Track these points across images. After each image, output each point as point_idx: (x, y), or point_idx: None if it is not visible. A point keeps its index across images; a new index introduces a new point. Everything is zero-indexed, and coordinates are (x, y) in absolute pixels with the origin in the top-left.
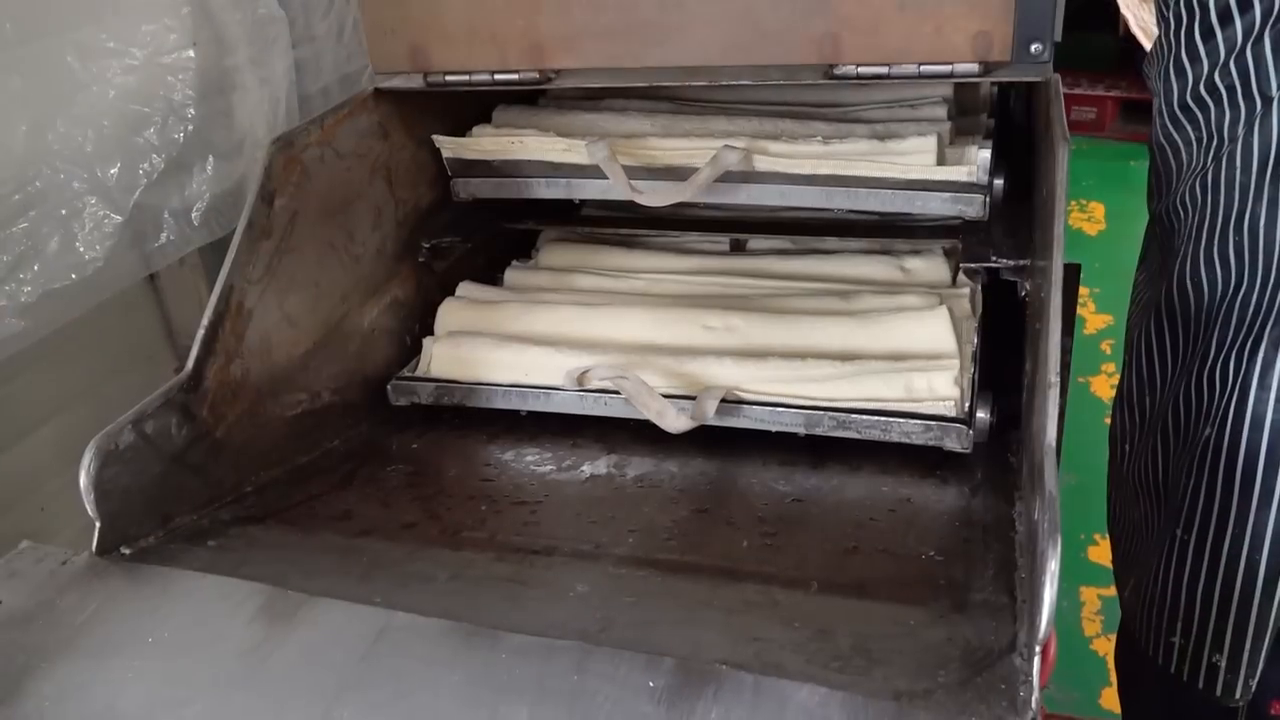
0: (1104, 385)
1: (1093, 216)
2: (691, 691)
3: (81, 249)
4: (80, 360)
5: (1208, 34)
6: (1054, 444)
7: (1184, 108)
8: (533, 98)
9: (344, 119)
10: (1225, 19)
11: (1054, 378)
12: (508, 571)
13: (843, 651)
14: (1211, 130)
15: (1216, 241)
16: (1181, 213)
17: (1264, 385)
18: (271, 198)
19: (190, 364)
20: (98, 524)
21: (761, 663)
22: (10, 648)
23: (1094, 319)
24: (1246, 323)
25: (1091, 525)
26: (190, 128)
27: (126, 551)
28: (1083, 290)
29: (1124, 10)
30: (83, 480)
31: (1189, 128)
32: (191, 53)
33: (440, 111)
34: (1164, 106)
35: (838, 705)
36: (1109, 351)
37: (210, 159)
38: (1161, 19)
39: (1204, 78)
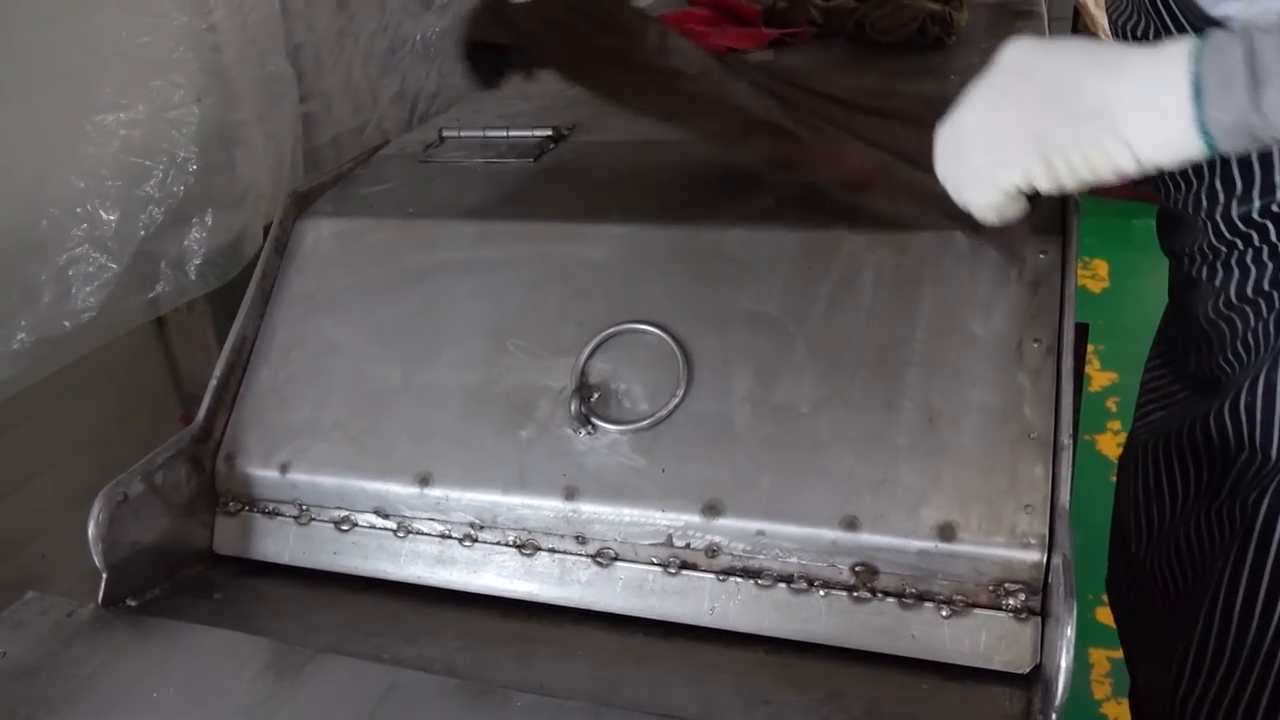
0: (1110, 443)
1: (1096, 274)
2: None
3: (77, 297)
4: (86, 406)
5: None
6: (1067, 507)
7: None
8: None
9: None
10: None
11: (1067, 439)
12: (515, 628)
13: (856, 715)
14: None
15: (1260, 398)
16: (1229, 368)
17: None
18: (284, 248)
19: (201, 415)
20: (104, 576)
21: None
22: (14, 700)
23: (1100, 376)
24: (1257, 476)
25: (1099, 585)
26: (191, 181)
27: (132, 603)
28: (1089, 347)
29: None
30: (91, 531)
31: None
32: (196, 108)
33: None
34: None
35: None
36: (1114, 409)
37: (210, 212)
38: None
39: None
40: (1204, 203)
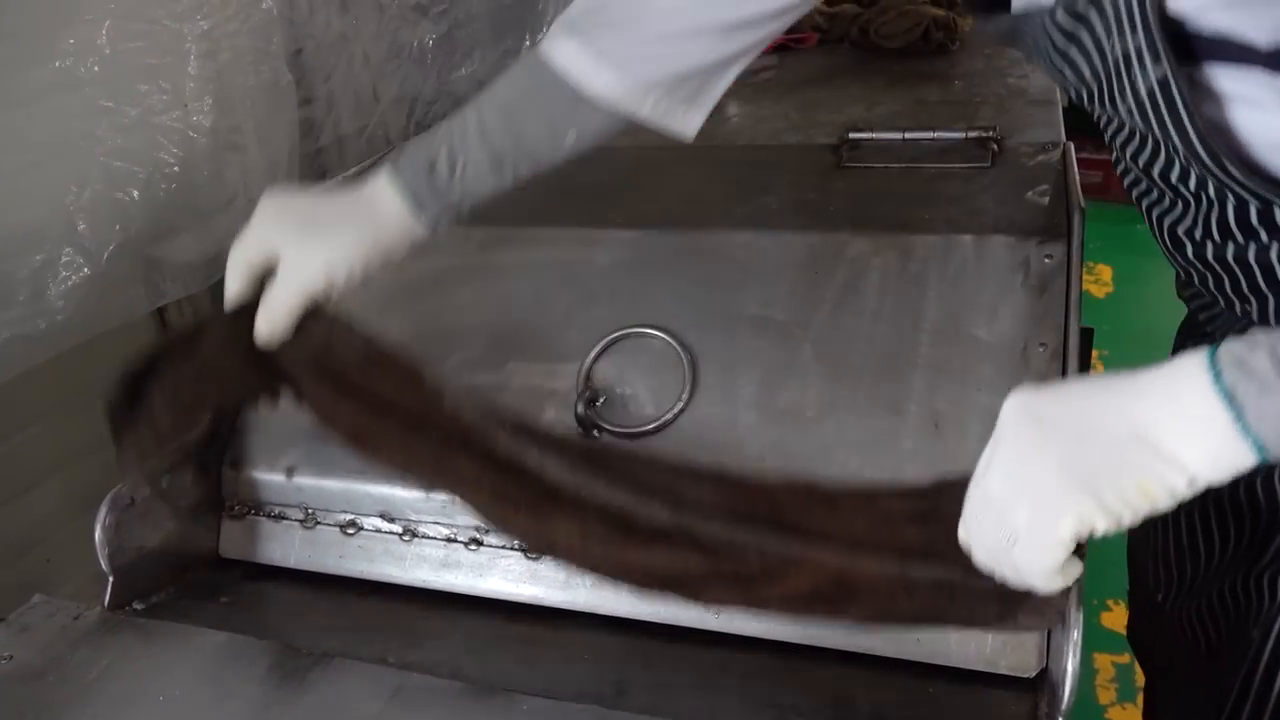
0: None
1: (1100, 279)
2: None
3: (52, 297)
4: (90, 411)
5: None
6: None
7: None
8: None
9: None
10: None
11: None
12: (521, 632)
13: None
14: None
15: None
16: None
17: None
18: None
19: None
20: (110, 579)
21: None
22: (21, 704)
23: (1101, 368)
24: None
25: (1104, 591)
26: (174, 187)
27: (139, 607)
28: (1092, 353)
29: None
30: (97, 535)
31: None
32: (184, 114)
33: None
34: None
35: None
36: None
37: (192, 217)
38: None
39: None
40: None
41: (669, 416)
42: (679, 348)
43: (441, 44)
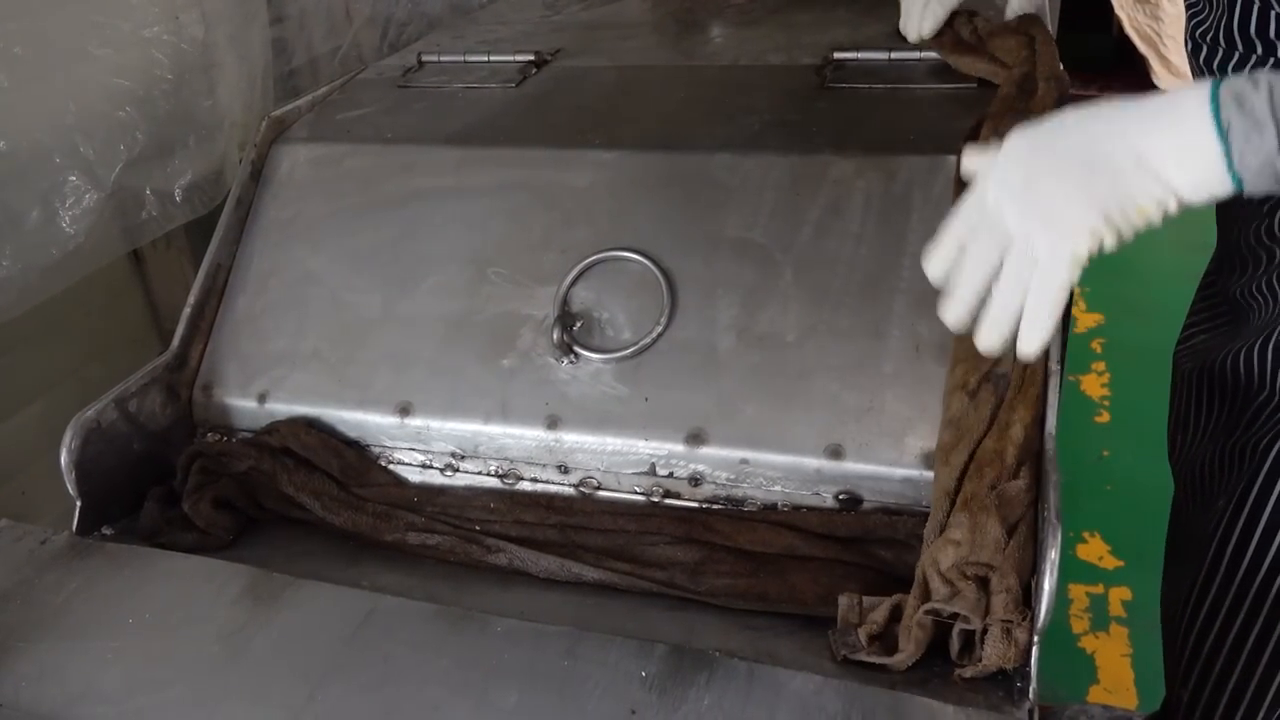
0: (1094, 384)
1: None
2: (684, 678)
3: (62, 225)
4: (65, 344)
5: None
6: (1054, 432)
7: None
8: None
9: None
10: None
11: (1055, 365)
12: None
13: None
14: None
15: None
16: (1261, 298)
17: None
18: (260, 174)
19: (175, 342)
20: (78, 503)
21: (755, 650)
22: None
23: (1085, 318)
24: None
25: (1080, 523)
26: (172, 103)
27: (108, 531)
28: (1075, 288)
29: (1119, 11)
30: (64, 458)
31: None
32: (175, 26)
33: None
34: None
35: (834, 693)
36: (1099, 350)
37: (192, 136)
38: None
39: None
40: None
41: (647, 340)
42: (658, 271)
43: None
